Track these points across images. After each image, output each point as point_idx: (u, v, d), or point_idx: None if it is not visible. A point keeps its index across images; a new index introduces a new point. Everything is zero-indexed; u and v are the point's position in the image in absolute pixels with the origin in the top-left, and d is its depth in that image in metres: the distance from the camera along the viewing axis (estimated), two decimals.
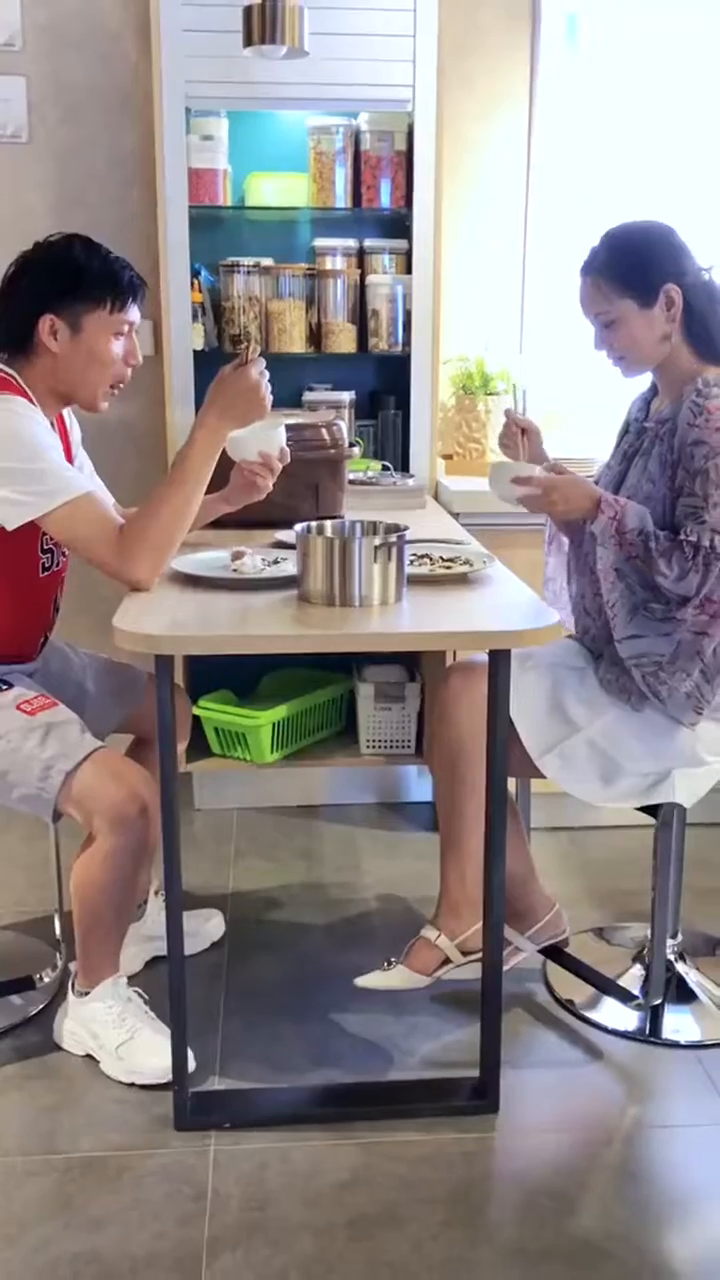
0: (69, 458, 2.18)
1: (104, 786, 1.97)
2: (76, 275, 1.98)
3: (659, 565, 1.96)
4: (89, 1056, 2.13)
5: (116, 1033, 2.08)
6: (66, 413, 2.23)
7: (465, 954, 2.12)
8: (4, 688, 2.08)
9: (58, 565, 2.20)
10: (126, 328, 2.05)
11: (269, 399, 1.97)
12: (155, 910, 2.45)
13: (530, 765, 2.09)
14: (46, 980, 2.37)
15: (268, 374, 1.97)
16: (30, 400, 2.03)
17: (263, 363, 1.97)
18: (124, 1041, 2.07)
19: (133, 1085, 2.05)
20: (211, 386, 1.98)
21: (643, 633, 2.01)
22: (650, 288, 2.02)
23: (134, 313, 2.05)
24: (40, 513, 1.93)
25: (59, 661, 2.33)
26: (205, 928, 2.54)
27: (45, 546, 2.13)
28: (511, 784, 2.30)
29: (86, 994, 2.11)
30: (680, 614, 1.97)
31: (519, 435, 2.28)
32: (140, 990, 2.17)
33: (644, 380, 2.22)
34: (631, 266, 2.03)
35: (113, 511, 2.03)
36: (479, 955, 2.04)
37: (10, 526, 1.95)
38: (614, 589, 2.01)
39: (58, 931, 2.48)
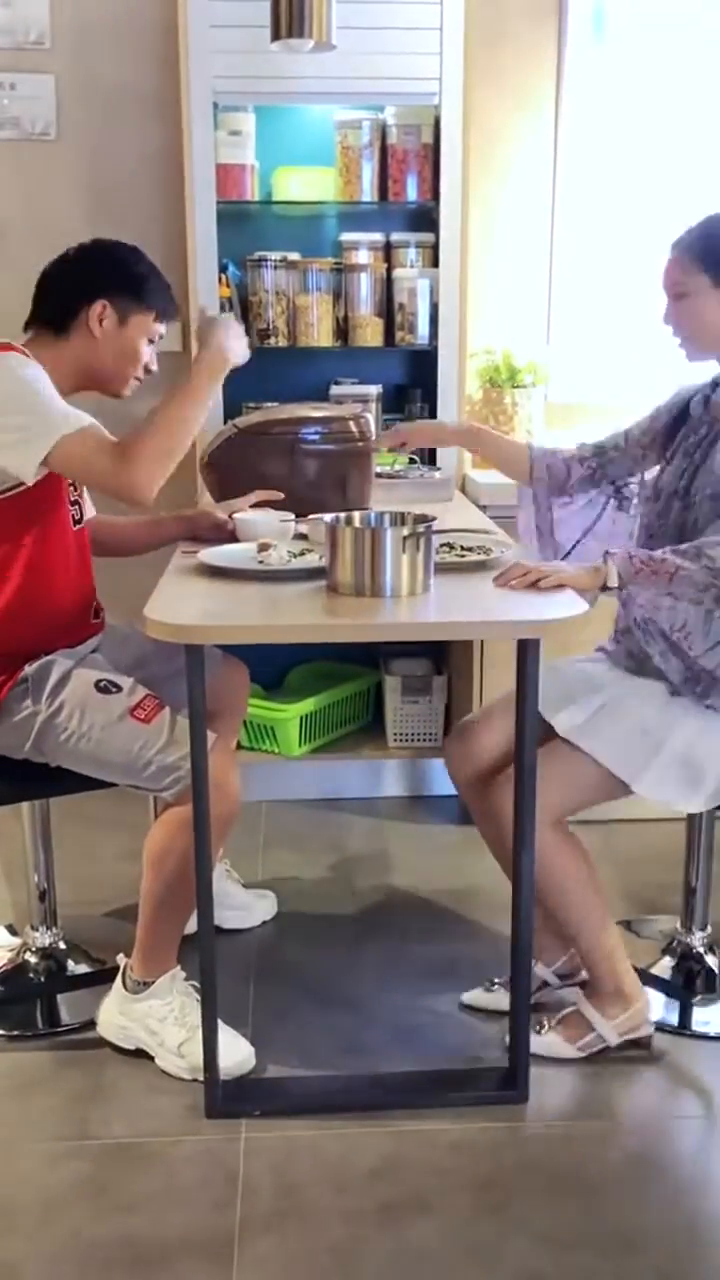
0: None
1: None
2: (139, 278, 2.18)
3: (690, 554, 1.92)
4: (131, 1051, 2.11)
5: (178, 1030, 2.06)
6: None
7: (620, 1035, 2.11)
8: (114, 690, 2.06)
9: (85, 517, 2.23)
10: (157, 338, 2.23)
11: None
12: (219, 877, 2.47)
13: (610, 788, 2.02)
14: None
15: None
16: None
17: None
18: (186, 1039, 2.05)
19: (183, 1080, 2.04)
20: (211, 323, 2.17)
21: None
22: None
23: (163, 329, 2.25)
24: (49, 446, 1.92)
25: (123, 643, 2.30)
26: (259, 904, 2.61)
27: (73, 498, 2.16)
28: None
29: (144, 987, 2.09)
30: None
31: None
32: (196, 984, 2.12)
33: (663, 375, 2.22)
34: (715, 246, 2.03)
35: (110, 437, 2.03)
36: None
37: (30, 476, 1.96)
38: (674, 612, 1.97)
39: None
